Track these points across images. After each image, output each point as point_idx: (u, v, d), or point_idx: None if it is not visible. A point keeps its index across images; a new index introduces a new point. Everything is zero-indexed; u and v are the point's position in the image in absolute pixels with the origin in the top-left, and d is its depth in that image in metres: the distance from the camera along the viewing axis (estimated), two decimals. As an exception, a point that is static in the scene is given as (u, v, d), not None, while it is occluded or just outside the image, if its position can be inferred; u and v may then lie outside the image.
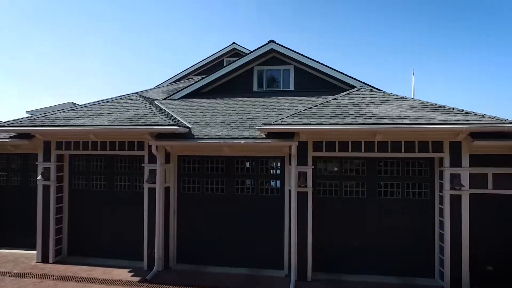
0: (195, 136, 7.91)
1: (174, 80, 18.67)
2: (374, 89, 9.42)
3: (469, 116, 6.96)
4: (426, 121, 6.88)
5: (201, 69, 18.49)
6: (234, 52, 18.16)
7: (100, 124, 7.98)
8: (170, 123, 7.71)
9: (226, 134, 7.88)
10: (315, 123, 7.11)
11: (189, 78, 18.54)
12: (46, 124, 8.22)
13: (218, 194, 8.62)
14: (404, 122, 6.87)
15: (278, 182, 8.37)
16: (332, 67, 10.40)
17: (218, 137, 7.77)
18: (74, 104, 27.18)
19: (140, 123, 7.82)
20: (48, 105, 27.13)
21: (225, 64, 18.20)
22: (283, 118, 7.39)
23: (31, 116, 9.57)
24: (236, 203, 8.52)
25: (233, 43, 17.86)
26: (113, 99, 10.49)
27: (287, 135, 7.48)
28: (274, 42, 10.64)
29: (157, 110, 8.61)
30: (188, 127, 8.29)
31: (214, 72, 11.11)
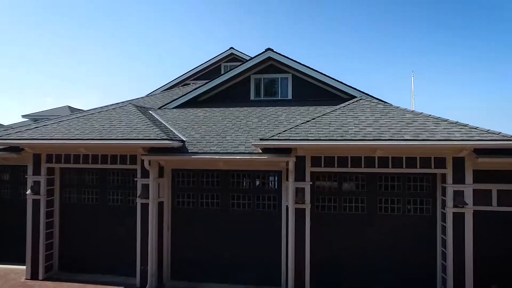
0: (189, 150, 7.65)
1: (171, 85, 18.42)
2: (374, 100, 9.16)
3: (472, 131, 6.71)
4: (428, 137, 6.63)
5: (198, 74, 18.25)
6: (232, 57, 17.91)
7: (91, 138, 7.72)
8: (163, 137, 7.45)
9: (222, 148, 7.61)
10: (313, 138, 6.85)
11: (186, 84, 18.31)
12: (35, 138, 7.95)
13: (213, 208, 8.35)
14: (405, 138, 6.62)
15: (275, 197, 8.11)
16: (331, 76, 10.16)
17: (213, 151, 7.51)
18: (70, 107, 26.94)
19: (132, 137, 7.56)
20: (44, 109, 26.89)
21: (222, 70, 18.04)
22: (280, 133, 7.13)
23: (21, 127, 9.32)
24: (232, 218, 8.25)
25: (230, 48, 17.61)
26: (106, 108, 10.23)
27: (284, 151, 7.22)
28: (271, 50, 10.39)
29: (150, 122, 8.34)
30: (182, 140, 8.03)
31: (210, 81, 10.85)
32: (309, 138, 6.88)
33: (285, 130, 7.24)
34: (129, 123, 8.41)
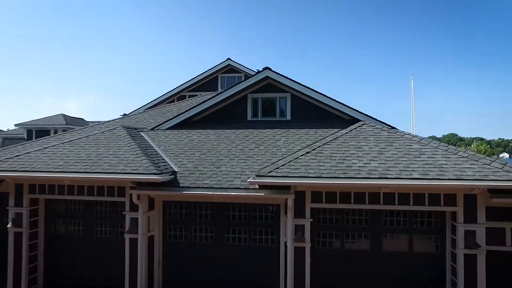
0: (181, 184, 7.13)
1: (168, 96, 17.94)
2: (377, 125, 8.64)
3: (486, 168, 6.21)
4: (437, 175, 6.12)
5: (195, 86, 17.77)
6: (229, 68, 17.44)
7: (75, 170, 7.20)
8: (152, 171, 6.93)
9: (215, 182, 7.10)
10: (313, 175, 6.35)
11: (182, 95, 17.83)
12: (15, 169, 7.43)
13: (207, 243, 7.84)
14: (413, 176, 6.11)
15: (273, 231, 7.59)
16: (332, 98, 9.67)
17: (206, 186, 7.00)
18: (64, 116, 26.40)
19: (118, 171, 7.04)
20: (38, 117, 26.32)
21: (219, 81, 17.55)
22: (278, 168, 6.62)
23: (4, 151, 8.80)
24: (227, 253, 7.74)
25: (228, 59, 17.12)
26: (95, 131, 9.69)
27: (283, 186, 6.70)
28: (269, 69, 9.88)
29: (139, 151, 7.81)
30: (173, 172, 7.53)
31: (206, 101, 10.31)
32: (310, 175, 6.37)
33: (284, 164, 6.73)
34: (117, 152, 7.89)
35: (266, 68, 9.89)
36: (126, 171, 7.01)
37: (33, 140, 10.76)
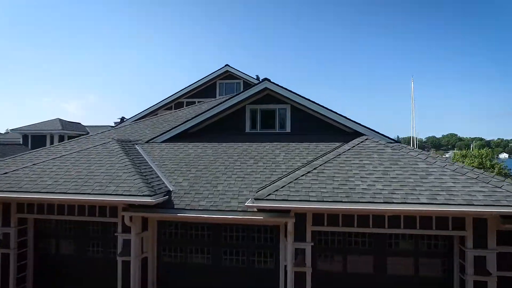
0: (175, 206, 6.80)
1: (165, 102, 17.59)
2: (380, 140, 8.30)
3: (497, 193, 5.87)
4: (446, 199, 5.79)
5: (193, 92, 17.41)
6: (227, 74, 17.09)
7: (64, 191, 6.87)
8: (145, 192, 6.58)
9: (212, 203, 6.77)
10: (315, 199, 6.01)
11: (180, 102, 17.48)
12: (2, 189, 7.10)
13: (203, 264, 7.50)
14: (421, 201, 5.79)
15: (273, 253, 7.25)
16: (332, 110, 9.34)
17: (202, 208, 6.66)
18: (60, 120, 26.04)
19: (109, 192, 6.71)
20: (34, 122, 25.96)
21: (217, 87, 17.21)
22: (277, 190, 6.28)
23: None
24: (224, 276, 7.39)
25: (226, 65, 16.78)
26: (88, 145, 9.33)
27: (283, 210, 6.36)
28: (268, 80, 9.54)
29: (132, 169, 7.46)
30: (168, 191, 7.20)
31: (203, 113, 9.95)
32: (311, 198, 6.03)
33: (283, 186, 6.39)
34: (109, 170, 7.54)
35: (265, 79, 9.55)
36: (118, 192, 6.67)
37: (24, 152, 10.40)
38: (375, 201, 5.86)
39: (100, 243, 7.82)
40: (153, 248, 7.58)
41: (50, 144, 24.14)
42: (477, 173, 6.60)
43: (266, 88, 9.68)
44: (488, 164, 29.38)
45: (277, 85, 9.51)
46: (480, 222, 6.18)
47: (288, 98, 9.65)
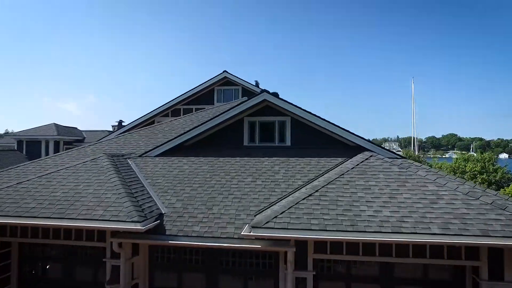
0: (167, 232, 6.34)
1: (162, 109, 17.17)
2: (385, 157, 7.83)
3: (515, 221, 5.41)
4: (460, 229, 5.34)
5: (190, 99, 17.00)
6: (226, 81, 16.67)
7: (48, 215, 6.40)
8: (134, 218, 6.12)
9: (206, 228, 6.32)
10: (317, 227, 5.56)
11: (177, 109, 17.05)
12: (-19, 213, 6.62)
13: (198, 291, 7.05)
14: (432, 231, 5.32)
15: (272, 282, 6.79)
16: (334, 123, 8.87)
17: (195, 234, 6.21)
18: (56, 125, 25.57)
19: (97, 217, 6.24)
20: (30, 127, 25.49)
21: (215, 94, 16.76)
22: (276, 217, 5.82)
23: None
24: (220, 304, 6.94)
25: (224, 72, 16.34)
26: (76, 162, 8.85)
27: (282, 239, 5.90)
28: (267, 92, 9.08)
29: (122, 190, 6.99)
30: (160, 213, 6.75)
31: (199, 125, 9.47)
32: (312, 227, 5.57)
33: (283, 212, 5.93)
34: (98, 190, 7.08)
35: (264, 90, 9.10)
36: (105, 218, 6.21)
37: (10, 167, 9.93)
38: (382, 230, 5.40)
39: (89, 267, 7.37)
40: (144, 273, 7.12)
41: (46, 149, 23.73)
42: (490, 196, 6.14)
43: (265, 100, 9.22)
44: (491, 169, 28.89)
45: (276, 97, 9.06)
46: (495, 252, 5.72)
47: (288, 110, 9.19)
